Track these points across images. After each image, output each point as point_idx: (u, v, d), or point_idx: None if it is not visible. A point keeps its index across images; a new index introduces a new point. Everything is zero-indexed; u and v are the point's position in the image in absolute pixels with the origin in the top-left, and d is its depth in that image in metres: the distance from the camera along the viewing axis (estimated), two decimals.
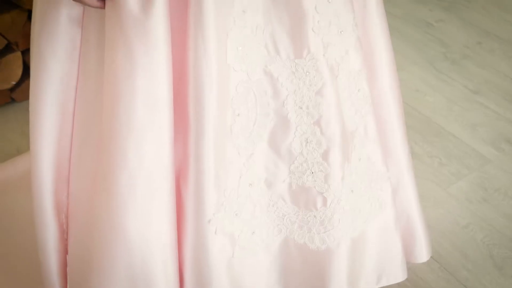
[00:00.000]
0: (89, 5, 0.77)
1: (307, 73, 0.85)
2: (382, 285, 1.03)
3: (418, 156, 1.58)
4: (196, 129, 0.82)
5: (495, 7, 2.24)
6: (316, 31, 0.83)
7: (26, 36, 1.65)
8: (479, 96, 1.80)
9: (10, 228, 1.36)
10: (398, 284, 1.14)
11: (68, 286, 0.96)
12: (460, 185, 1.50)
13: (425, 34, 2.10)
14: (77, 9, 0.83)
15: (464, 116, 1.72)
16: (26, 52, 1.69)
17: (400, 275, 1.04)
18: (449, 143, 1.63)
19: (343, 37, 0.86)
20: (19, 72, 1.69)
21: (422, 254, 1.10)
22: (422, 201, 1.44)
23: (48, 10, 0.83)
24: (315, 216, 0.94)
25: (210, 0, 0.76)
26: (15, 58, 1.66)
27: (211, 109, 0.81)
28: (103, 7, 0.77)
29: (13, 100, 1.76)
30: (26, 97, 1.76)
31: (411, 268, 1.24)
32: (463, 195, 1.47)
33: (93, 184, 0.88)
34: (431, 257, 1.15)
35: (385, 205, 1.02)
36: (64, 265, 0.98)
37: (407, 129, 1.64)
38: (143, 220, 0.83)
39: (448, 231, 1.38)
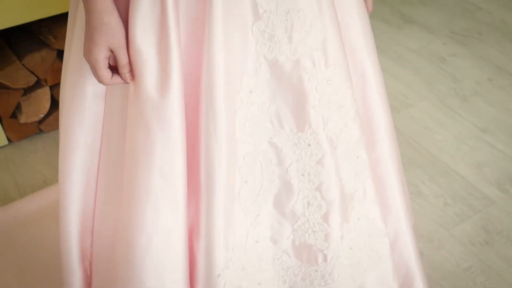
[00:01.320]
0: (105, 84, 0.86)
1: (309, 145, 0.93)
2: None
3: (425, 196, 1.64)
4: (207, 195, 0.90)
5: (509, 43, 2.28)
6: (317, 108, 0.91)
7: (54, 72, 1.76)
8: (487, 135, 1.85)
9: (37, 258, 1.46)
10: None
11: None
12: (464, 227, 1.56)
13: (438, 69, 2.16)
14: (102, 87, 0.92)
15: (471, 155, 1.78)
16: (53, 87, 1.79)
17: None
18: (455, 183, 1.68)
19: (342, 112, 0.94)
20: (47, 105, 1.80)
21: None
22: (426, 242, 1.51)
23: (77, 88, 0.92)
24: (316, 271, 1.01)
25: (220, 83, 0.84)
26: (44, 93, 1.77)
27: (221, 179, 0.89)
28: (117, 83, 0.86)
29: (41, 131, 1.87)
30: (53, 128, 1.86)
31: None
32: (467, 237, 1.53)
33: (113, 239, 0.97)
34: None
35: (383, 257, 1.09)
36: None
37: (416, 168, 1.72)
38: (159, 275, 0.92)
39: (450, 273, 1.44)
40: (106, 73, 0.84)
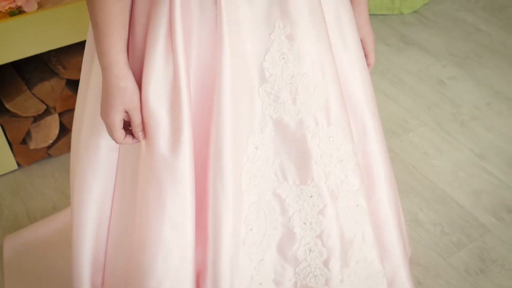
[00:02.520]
0: (119, 143, 0.91)
1: (311, 197, 0.98)
2: None
3: (422, 224, 1.69)
4: (214, 243, 0.95)
5: (508, 66, 2.33)
6: (319, 164, 0.96)
7: (63, 100, 1.81)
8: (484, 161, 1.90)
9: (48, 286, 1.51)
10: None
11: None
12: (460, 256, 1.61)
13: (437, 93, 2.21)
14: None
15: (469, 182, 1.82)
16: (62, 114, 1.85)
17: None
18: (452, 210, 1.73)
19: (342, 165, 0.99)
20: (56, 131, 1.85)
21: None
22: (423, 271, 1.56)
23: (91, 141, 0.97)
24: None
25: (228, 143, 0.89)
26: (53, 120, 1.82)
27: (228, 228, 0.94)
28: (130, 143, 0.91)
29: (50, 156, 1.92)
30: (61, 152, 1.92)
31: None
32: (463, 265, 1.58)
33: (125, 281, 1.03)
34: None
35: None
36: None
37: (414, 195, 1.77)
38: None
39: None
40: (121, 133, 0.89)
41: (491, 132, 2.01)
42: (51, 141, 1.86)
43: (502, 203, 1.75)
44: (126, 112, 0.88)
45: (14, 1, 1.59)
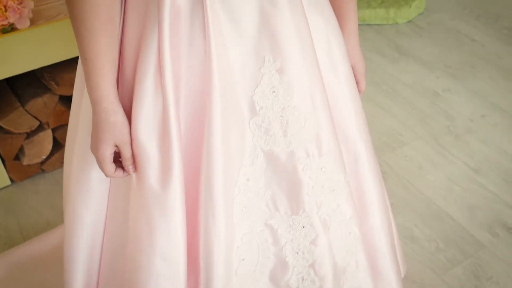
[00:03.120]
0: (109, 177, 0.91)
1: (303, 227, 0.97)
2: None
3: (417, 240, 1.69)
4: (206, 273, 0.94)
5: (502, 78, 2.33)
6: (311, 195, 0.96)
7: (56, 115, 1.80)
8: (479, 176, 1.90)
9: None
10: None
11: None
12: (455, 272, 1.60)
13: (431, 105, 2.20)
14: None
15: (463, 197, 1.82)
16: (55, 129, 1.84)
17: None
18: (447, 226, 1.73)
19: (335, 195, 0.98)
20: (49, 147, 1.84)
21: None
22: None
23: (82, 172, 0.97)
24: None
25: (219, 177, 0.88)
26: (46, 135, 1.81)
27: (220, 260, 0.93)
28: (120, 176, 0.91)
29: (43, 171, 1.91)
30: (54, 167, 1.91)
31: None
32: (457, 283, 1.57)
33: None
34: None
35: None
36: None
37: (409, 211, 1.76)
38: None
39: None
40: (111, 167, 0.88)
41: (486, 145, 2.01)
42: (44, 157, 1.85)
43: (497, 219, 1.75)
44: (116, 146, 0.87)
45: (7, 18, 1.58)
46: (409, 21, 2.69)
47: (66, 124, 1.83)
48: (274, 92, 0.89)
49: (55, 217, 1.77)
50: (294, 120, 0.91)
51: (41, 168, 1.89)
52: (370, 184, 1.05)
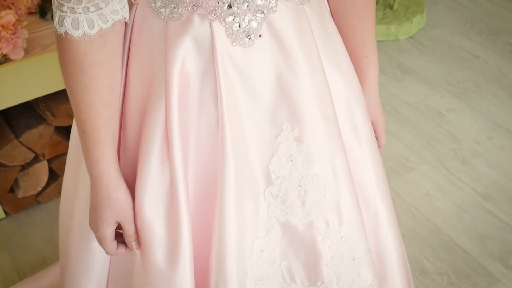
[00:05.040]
0: (110, 255, 0.84)
1: None
2: None
3: (429, 274, 1.64)
4: None
5: (507, 96, 2.28)
6: (330, 266, 0.89)
7: (52, 146, 1.73)
8: (488, 203, 1.85)
9: None
10: None
11: None
12: None
13: (436, 126, 2.15)
14: None
15: (474, 226, 1.77)
16: (51, 160, 1.76)
17: None
18: (458, 258, 1.68)
19: (355, 263, 0.92)
20: (45, 178, 1.77)
21: None
22: None
23: (82, 245, 0.90)
24: None
25: (232, 252, 0.81)
26: (42, 167, 1.74)
27: None
28: (122, 253, 0.84)
29: (38, 202, 1.84)
30: (50, 198, 1.84)
31: None
32: None
33: None
34: None
35: None
36: None
37: (419, 241, 1.71)
38: None
39: None
40: (112, 245, 0.82)
41: (494, 170, 1.97)
42: (40, 189, 1.78)
43: (509, 249, 1.70)
44: (118, 223, 0.81)
45: (0, 49, 1.50)
46: (410, 37, 2.64)
47: (63, 154, 1.76)
48: (292, 161, 0.83)
49: (51, 252, 1.70)
50: (313, 189, 0.85)
51: (36, 199, 1.82)
52: (390, 245, 0.99)
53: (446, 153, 2.04)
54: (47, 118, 1.68)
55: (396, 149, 2.07)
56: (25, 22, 1.58)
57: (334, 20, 0.91)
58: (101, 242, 0.82)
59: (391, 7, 2.67)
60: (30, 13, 1.72)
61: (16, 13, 1.67)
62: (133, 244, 0.83)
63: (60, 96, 1.68)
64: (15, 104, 1.57)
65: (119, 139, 0.81)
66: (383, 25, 2.59)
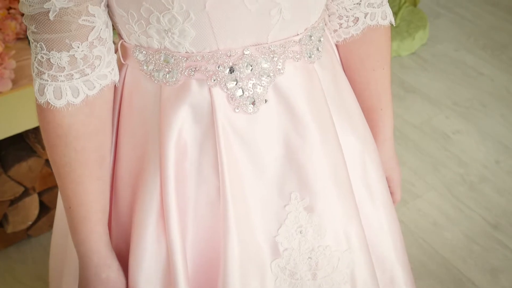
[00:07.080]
0: None
1: None
2: None
3: None
4: None
5: None
6: None
7: (43, 178, 1.65)
8: (498, 232, 1.78)
9: None
10: None
11: None
12: None
13: (442, 149, 2.08)
14: None
15: (484, 258, 1.70)
16: (42, 193, 1.69)
17: None
18: None
19: None
20: (36, 212, 1.69)
21: None
22: None
23: None
24: None
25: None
26: (32, 200, 1.66)
27: None
28: None
29: (29, 236, 1.76)
30: (42, 232, 1.76)
31: None
32: None
33: None
34: None
35: None
36: None
37: (427, 276, 1.64)
38: None
39: None
40: None
41: (503, 196, 1.89)
42: (30, 223, 1.69)
43: None
44: None
45: None
46: (413, 53, 2.57)
47: (54, 187, 1.68)
48: (301, 232, 0.75)
49: None
50: (325, 261, 0.77)
51: (27, 233, 1.73)
52: None
53: (453, 178, 1.97)
54: (37, 150, 1.60)
55: (401, 175, 1.99)
56: (13, 52, 1.50)
57: (345, 71, 0.84)
58: None
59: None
60: (18, 39, 1.65)
61: (4, 39, 1.60)
62: None
63: None
64: (4, 137, 1.49)
65: (110, 209, 0.74)
66: None
